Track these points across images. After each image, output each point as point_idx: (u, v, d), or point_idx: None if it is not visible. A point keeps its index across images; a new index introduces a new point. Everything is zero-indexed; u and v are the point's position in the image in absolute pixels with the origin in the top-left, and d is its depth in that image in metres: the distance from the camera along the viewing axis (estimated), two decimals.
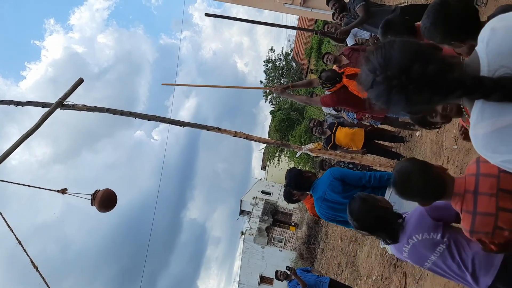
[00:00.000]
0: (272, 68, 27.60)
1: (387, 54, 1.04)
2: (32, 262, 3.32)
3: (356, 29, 5.60)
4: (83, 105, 4.88)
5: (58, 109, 4.59)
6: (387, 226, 2.22)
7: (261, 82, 27.51)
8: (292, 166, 20.62)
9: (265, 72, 27.81)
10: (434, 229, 2.06)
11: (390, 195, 3.07)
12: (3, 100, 4.88)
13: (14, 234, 3.27)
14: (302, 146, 5.55)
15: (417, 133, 6.90)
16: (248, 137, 5.38)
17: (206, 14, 6.42)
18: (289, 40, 32.13)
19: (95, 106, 5.00)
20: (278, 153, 21.82)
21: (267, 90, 23.09)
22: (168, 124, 5.32)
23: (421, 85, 1.01)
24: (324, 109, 8.57)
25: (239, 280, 27.11)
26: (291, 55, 28.43)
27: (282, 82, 27.05)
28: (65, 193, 3.59)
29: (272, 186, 31.59)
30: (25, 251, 3.29)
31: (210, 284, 76.12)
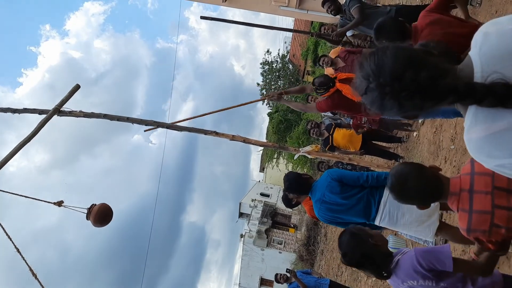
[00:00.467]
0: (269, 70, 27.61)
1: (380, 61, 1.06)
2: (31, 270, 3.30)
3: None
4: (80, 111, 4.87)
5: (55, 116, 4.58)
6: (373, 265, 2.18)
7: (258, 84, 27.53)
8: (290, 168, 20.62)
9: (262, 74, 27.84)
10: (428, 277, 2.02)
11: (388, 196, 3.08)
12: None
13: (12, 242, 3.25)
14: (300, 149, 5.57)
15: (414, 133, 6.93)
16: (245, 141, 5.39)
17: (202, 17, 6.43)
18: (285, 42, 32.24)
19: (92, 112, 4.99)
20: (276, 155, 21.81)
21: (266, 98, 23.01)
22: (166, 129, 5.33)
23: (413, 92, 1.02)
24: None
25: (239, 283, 27.04)
26: (288, 57, 28.47)
27: (279, 84, 27.09)
28: (61, 205, 3.58)
29: (271, 188, 31.59)
30: (23, 259, 3.28)
31: (211, 287, 75.98)
